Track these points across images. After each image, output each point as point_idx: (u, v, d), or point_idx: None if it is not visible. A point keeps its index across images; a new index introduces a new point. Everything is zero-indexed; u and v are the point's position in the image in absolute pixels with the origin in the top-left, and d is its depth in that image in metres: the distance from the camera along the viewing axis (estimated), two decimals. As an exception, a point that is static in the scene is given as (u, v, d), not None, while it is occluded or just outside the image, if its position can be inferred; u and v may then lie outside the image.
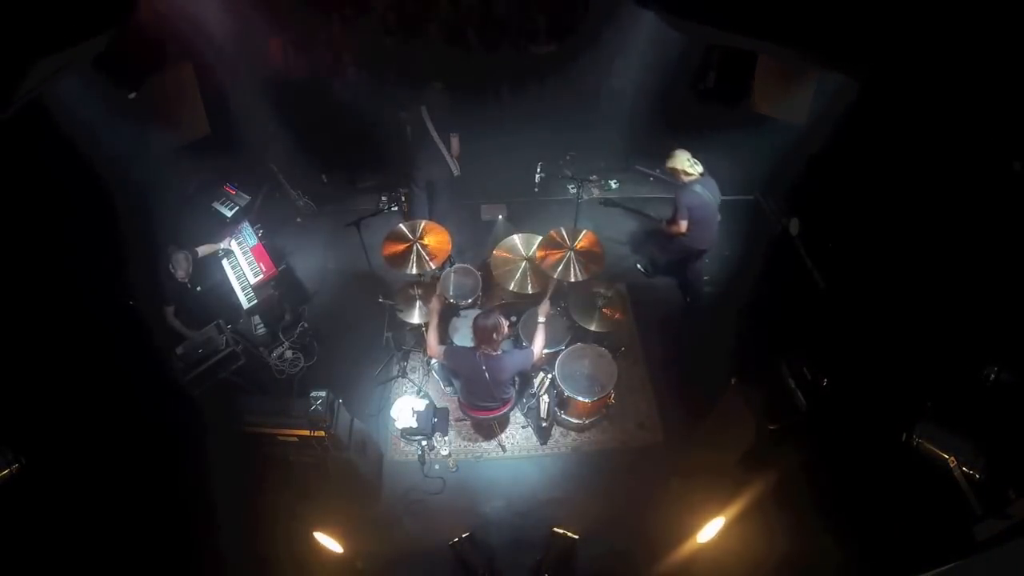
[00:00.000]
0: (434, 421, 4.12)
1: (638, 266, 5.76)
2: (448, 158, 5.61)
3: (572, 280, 4.38)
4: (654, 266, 5.68)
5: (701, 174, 4.68)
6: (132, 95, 4.88)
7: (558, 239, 4.57)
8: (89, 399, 4.26)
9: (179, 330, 4.71)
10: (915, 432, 2.90)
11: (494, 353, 3.76)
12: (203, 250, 4.90)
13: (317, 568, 3.53)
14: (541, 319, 3.94)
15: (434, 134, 5.51)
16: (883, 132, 4.20)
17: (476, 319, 3.77)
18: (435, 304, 4.08)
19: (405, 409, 4.04)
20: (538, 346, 3.86)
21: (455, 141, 5.61)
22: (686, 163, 4.65)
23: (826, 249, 5.10)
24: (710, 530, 3.18)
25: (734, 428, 3.84)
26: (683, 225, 4.68)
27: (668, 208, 5.00)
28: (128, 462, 4.05)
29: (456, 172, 5.69)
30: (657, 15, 5.01)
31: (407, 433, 4.08)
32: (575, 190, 5.61)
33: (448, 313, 4.71)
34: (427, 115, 5.47)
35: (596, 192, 6.59)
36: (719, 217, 4.88)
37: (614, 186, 6.67)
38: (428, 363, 4.91)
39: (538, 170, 5.33)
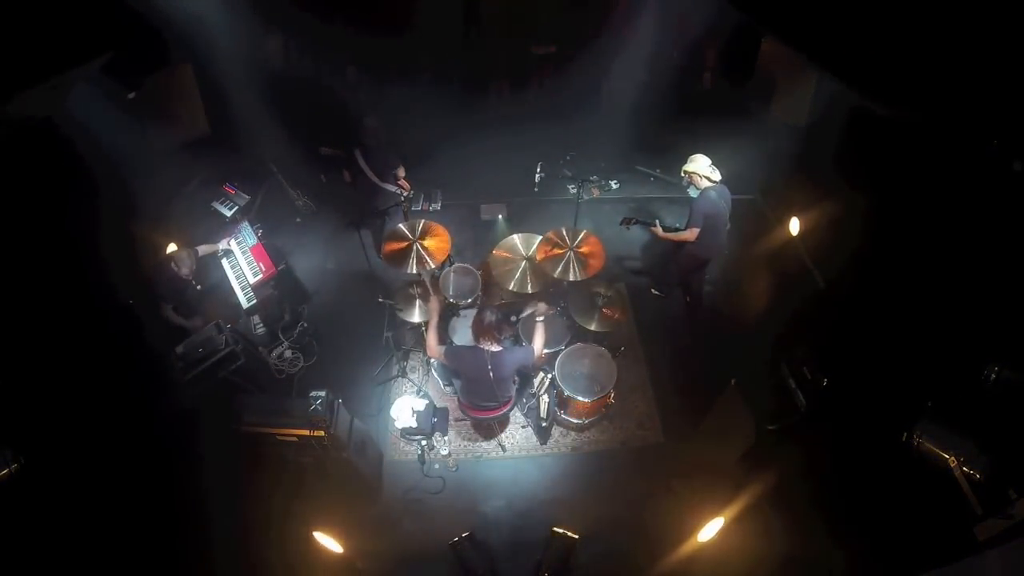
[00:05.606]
0: (434, 421, 4.11)
1: (652, 291, 5.63)
2: (396, 191, 5.37)
3: (572, 280, 4.38)
4: (667, 285, 5.55)
5: (719, 181, 4.58)
6: (132, 95, 4.88)
7: (557, 239, 4.57)
8: (88, 398, 4.26)
9: (180, 324, 4.70)
10: (915, 432, 2.90)
11: (496, 349, 3.77)
12: (203, 250, 4.90)
13: (317, 568, 3.53)
14: (539, 317, 3.94)
15: (375, 179, 5.24)
16: (882, 131, 4.21)
17: (476, 314, 3.79)
18: (434, 304, 4.08)
19: (405, 409, 4.04)
20: (538, 344, 3.87)
21: (400, 172, 5.38)
22: (707, 168, 4.54)
23: (826, 249, 5.11)
24: (710, 530, 3.17)
25: (734, 428, 3.84)
26: (694, 232, 4.60)
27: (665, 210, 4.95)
28: (127, 462, 4.05)
29: (408, 194, 5.42)
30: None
31: (407, 433, 4.08)
32: (575, 190, 5.60)
33: (448, 313, 4.71)
34: (362, 160, 5.19)
35: (596, 192, 6.59)
36: (728, 226, 4.81)
37: (614, 186, 6.67)
38: (428, 363, 4.91)
39: (538, 170, 5.32)
